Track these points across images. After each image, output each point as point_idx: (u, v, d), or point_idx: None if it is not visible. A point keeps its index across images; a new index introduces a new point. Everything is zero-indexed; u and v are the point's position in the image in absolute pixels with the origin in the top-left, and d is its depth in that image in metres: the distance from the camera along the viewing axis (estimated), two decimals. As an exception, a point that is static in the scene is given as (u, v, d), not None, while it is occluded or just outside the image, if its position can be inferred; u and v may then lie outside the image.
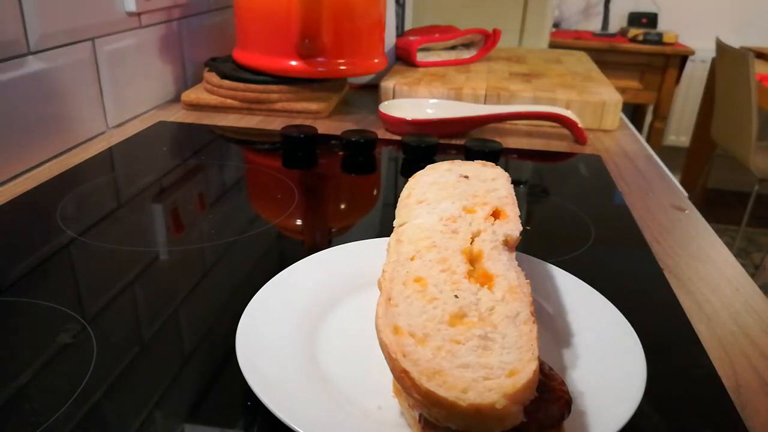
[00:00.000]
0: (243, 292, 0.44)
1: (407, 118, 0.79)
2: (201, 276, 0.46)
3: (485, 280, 0.33)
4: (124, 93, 0.80)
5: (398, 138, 0.78)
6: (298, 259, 0.43)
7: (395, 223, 0.41)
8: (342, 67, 0.84)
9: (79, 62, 0.71)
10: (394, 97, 0.88)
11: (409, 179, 0.45)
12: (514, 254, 0.37)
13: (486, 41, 1.09)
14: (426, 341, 0.28)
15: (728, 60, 2.25)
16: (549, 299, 0.40)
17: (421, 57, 1.02)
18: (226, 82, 0.86)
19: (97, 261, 0.48)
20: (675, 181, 0.70)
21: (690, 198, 0.66)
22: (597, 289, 0.40)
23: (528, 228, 0.56)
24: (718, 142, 2.45)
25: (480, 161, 0.46)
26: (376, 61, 0.89)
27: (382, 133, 0.80)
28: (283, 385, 0.31)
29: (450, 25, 1.17)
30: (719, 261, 0.52)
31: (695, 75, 2.94)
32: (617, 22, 2.99)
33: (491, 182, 0.43)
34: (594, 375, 0.33)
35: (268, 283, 0.40)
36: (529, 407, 0.26)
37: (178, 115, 0.86)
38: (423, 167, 0.47)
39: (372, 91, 1.01)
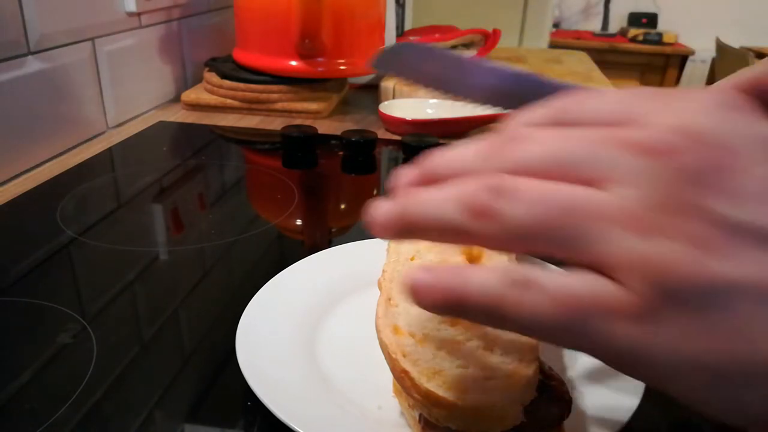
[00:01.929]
0: (243, 292, 0.44)
1: (407, 118, 0.79)
2: (201, 276, 0.46)
3: None
4: (124, 93, 0.80)
5: (398, 138, 0.78)
6: (298, 259, 0.43)
7: None
8: (342, 67, 0.84)
9: (79, 62, 0.71)
10: (394, 97, 0.88)
11: None
12: (514, 254, 0.37)
13: (486, 41, 1.09)
14: (426, 341, 0.28)
15: (728, 60, 2.25)
16: None
17: (421, 57, 1.02)
18: (226, 82, 0.86)
19: (97, 261, 0.48)
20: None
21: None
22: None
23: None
24: (718, 142, 2.45)
25: None
26: (376, 61, 0.89)
27: (382, 133, 0.80)
28: (283, 386, 0.32)
29: (450, 25, 1.17)
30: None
31: (695, 75, 2.94)
32: (617, 22, 3.00)
33: None
34: (594, 375, 0.33)
35: (268, 282, 0.40)
36: (529, 407, 0.26)
37: (178, 115, 0.86)
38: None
39: (372, 91, 1.01)
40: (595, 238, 0.18)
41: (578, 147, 0.19)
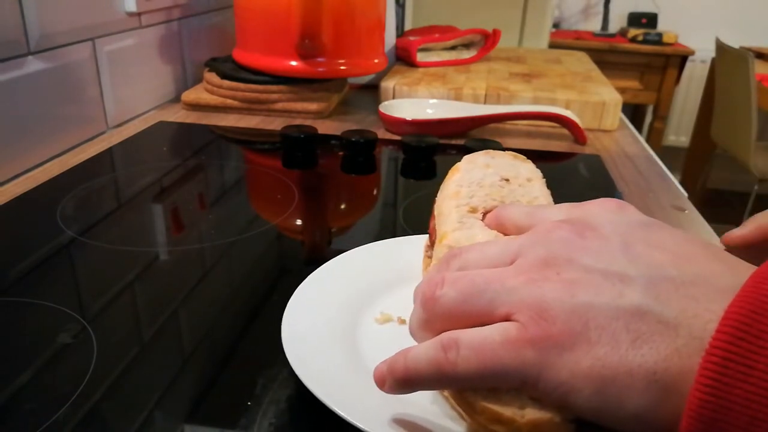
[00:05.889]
0: (243, 292, 0.44)
1: (407, 118, 0.79)
2: (201, 276, 0.46)
3: None
4: (124, 93, 0.80)
5: (398, 138, 0.78)
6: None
7: (440, 224, 0.37)
8: (342, 67, 0.84)
9: (79, 62, 0.71)
10: (394, 97, 0.88)
11: (453, 172, 0.41)
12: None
13: (486, 41, 1.09)
14: None
15: (728, 60, 2.25)
16: None
17: (421, 57, 1.02)
18: (226, 82, 0.86)
19: (97, 261, 0.48)
20: (675, 181, 0.70)
21: (690, 198, 0.66)
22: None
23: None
24: (718, 142, 2.45)
25: (510, 153, 0.43)
26: (376, 61, 0.89)
27: (382, 133, 0.80)
28: (338, 380, 0.31)
29: (450, 25, 1.17)
30: (719, 261, 0.52)
31: (695, 75, 2.94)
32: (617, 22, 2.99)
33: (528, 185, 0.40)
34: None
35: (311, 275, 0.40)
36: (578, 424, 0.26)
37: (178, 115, 0.86)
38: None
39: (372, 91, 1.01)
40: (499, 296, 0.25)
41: (500, 245, 0.29)
